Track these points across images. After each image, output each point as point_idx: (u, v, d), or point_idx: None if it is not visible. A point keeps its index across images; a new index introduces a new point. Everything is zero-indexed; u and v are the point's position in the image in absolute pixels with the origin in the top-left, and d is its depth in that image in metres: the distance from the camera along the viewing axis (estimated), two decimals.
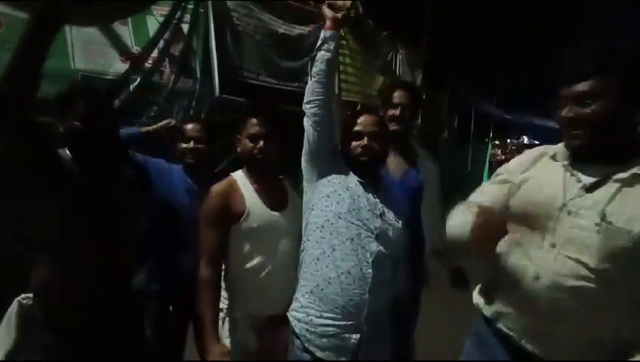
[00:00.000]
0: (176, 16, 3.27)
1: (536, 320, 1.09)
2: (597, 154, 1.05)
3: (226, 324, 1.54)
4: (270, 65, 4.18)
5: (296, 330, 1.33)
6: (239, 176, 1.57)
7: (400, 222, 1.44)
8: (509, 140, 13.91)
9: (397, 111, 1.92)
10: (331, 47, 1.45)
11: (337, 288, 1.29)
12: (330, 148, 1.47)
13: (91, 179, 1.33)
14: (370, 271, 1.31)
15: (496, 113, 10.58)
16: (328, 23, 1.47)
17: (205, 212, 1.48)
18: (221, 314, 1.51)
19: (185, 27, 3.38)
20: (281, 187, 1.61)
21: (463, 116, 10.18)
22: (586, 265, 1.01)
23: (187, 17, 3.37)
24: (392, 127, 1.93)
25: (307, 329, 1.31)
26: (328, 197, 1.38)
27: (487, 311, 1.25)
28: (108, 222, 1.35)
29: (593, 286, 1.00)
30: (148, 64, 3.09)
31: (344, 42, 5.39)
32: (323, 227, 1.35)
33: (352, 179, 1.42)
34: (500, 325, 1.20)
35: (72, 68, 2.67)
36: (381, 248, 1.33)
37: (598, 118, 1.00)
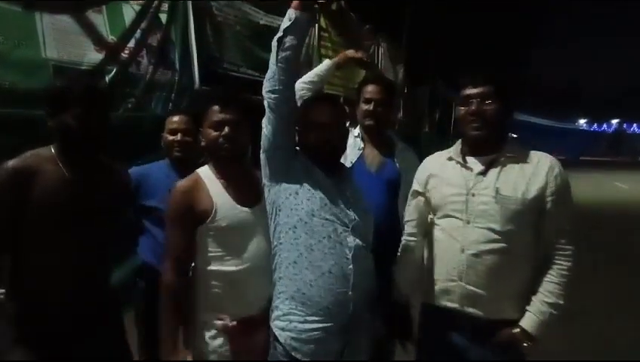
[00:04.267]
0: (154, 4, 3.17)
1: (470, 284, 1.38)
2: (482, 146, 1.42)
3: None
4: (251, 57, 4.12)
5: (281, 340, 1.27)
6: (204, 172, 1.43)
7: (368, 211, 1.40)
8: None
9: (370, 107, 1.93)
10: (302, 32, 1.31)
11: (320, 290, 1.23)
12: (292, 144, 1.37)
13: (76, 177, 1.30)
14: (351, 266, 1.26)
15: None
16: (297, 3, 1.29)
17: (169, 212, 1.38)
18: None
19: (163, 17, 3.28)
20: (251, 180, 1.47)
21: (444, 111, 10.28)
22: (494, 230, 1.36)
23: (165, 6, 3.27)
24: (367, 122, 1.95)
25: (293, 337, 1.25)
26: (297, 194, 1.29)
27: (431, 297, 1.50)
28: (88, 220, 1.31)
29: (502, 245, 1.35)
30: (124, 54, 3.00)
31: (326, 35, 5.36)
32: (296, 227, 1.27)
33: (318, 173, 1.34)
34: (443, 302, 1.45)
35: (43, 57, 2.55)
36: (358, 241, 1.29)
37: (495, 112, 1.38)
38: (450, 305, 1.43)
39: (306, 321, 1.24)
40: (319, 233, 1.26)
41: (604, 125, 45.78)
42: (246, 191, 1.42)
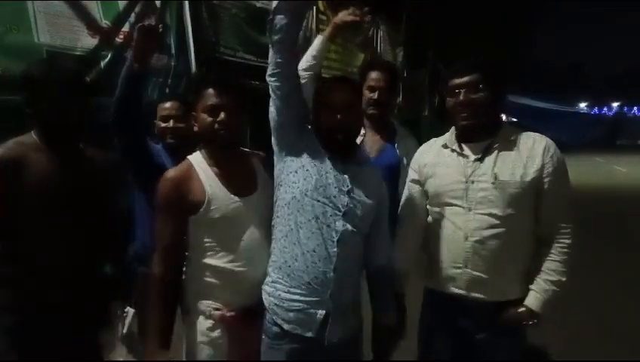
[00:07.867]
0: None
1: (476, 270, 1.40)
2: (476, 133, 1.42)
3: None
4: (248, 41, 4.06)
5: (266, 304, 1.34)
6: (196, 159, 1.35)
7: (371, 199, 1.39)
8: None
9: (375, 95, 1.89)
10: (294, 11, 1.25)
11: (303, 265, 1.29)
12: (297, 123, 1.37)
13: (57, 164, 1.27)
14: (336, 249, 1.29)
15: None
16: None
17: (159, 202, 1.30)
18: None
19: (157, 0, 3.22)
20: (247, 167, 1.43)
21: (444, 94, 10.19)
22: (495, 215, 1.37)
23: None
24: (370, 110, 1.91)
25: (275, 304, 1.32)
26: (296, 172, 1.33)
27: (435, 283, 1.52)
28: (71, 208, 1.30)
29: (503, 229, 1.37)
30: (119, 39, 2.95)
31: (324, 17, 5.28)
32: (289, 204, 1.32)
33: (321, 155, 1.35)
34: (449, 288, 1.46)
35: (36, 42, 2.52)
36: (348, 226, 1.31)
37: (483, 101, 1.37)
38: (456, 290, 1.44)
39: (289, 291, 1.31)
40: (308, 213, 1.30)
41: (605, 108, 45.55)
42: (240, 179, 1.37)
